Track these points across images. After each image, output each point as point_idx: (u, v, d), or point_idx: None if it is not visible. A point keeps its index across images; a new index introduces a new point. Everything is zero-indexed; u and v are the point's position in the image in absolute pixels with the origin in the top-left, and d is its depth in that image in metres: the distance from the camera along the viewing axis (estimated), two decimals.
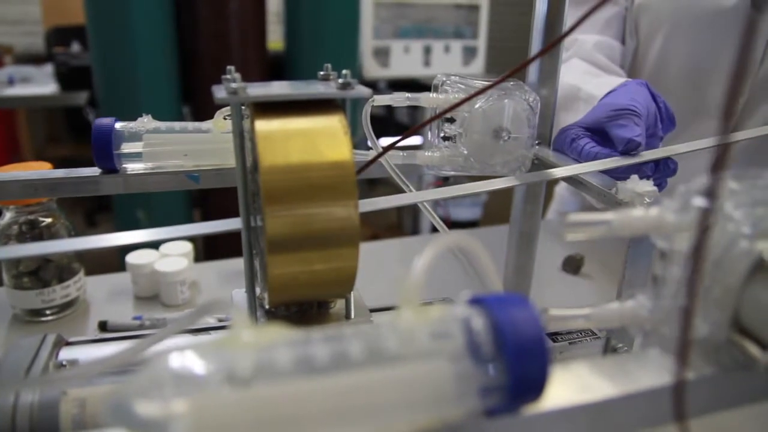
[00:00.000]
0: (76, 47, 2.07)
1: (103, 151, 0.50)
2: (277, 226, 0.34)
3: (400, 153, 0.55)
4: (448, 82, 0.56)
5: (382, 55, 2.19)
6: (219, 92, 0.36)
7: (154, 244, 0.79)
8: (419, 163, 0.56)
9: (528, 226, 0.67)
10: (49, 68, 2.08)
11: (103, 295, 0.78)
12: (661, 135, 0.63)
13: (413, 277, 0.24)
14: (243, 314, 0.22)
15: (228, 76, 0.37)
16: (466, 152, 0.56)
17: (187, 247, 0.80)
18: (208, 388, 0.20)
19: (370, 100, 0.52)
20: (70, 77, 1.89)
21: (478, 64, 2.33)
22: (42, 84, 2.01)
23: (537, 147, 0.61)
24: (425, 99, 0.54)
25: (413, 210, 2.38)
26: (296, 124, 0.36)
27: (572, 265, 0.85)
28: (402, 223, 2.48)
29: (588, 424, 0.25)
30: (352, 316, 0.41)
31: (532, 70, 0.63)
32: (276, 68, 1.90)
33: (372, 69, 2.15)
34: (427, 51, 2.23)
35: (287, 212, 0.34)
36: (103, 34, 1.62)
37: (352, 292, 0.40)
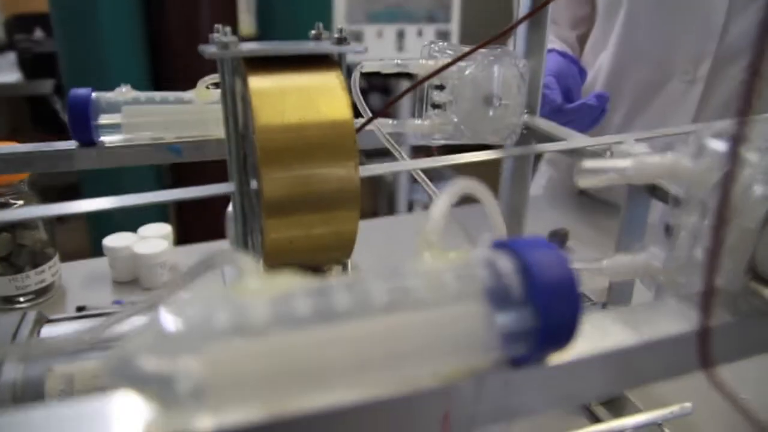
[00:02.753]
0: (38, 34, 1.99)
1: (80, 122, 0.47)
2: (274, 187, 0.32)
3: (390, 122, 0.53)
4: (436, 48, 0.54)
5: (355, 39, 2.16)
6: (209, 49, 0.34)
7: (132, 227, 0.76)
8: (409, 131, 0.54)
9: (516, 200, 0.66)
10: (10, 57, 2.00)
11: (79, 280, 0.75)
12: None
13: (432, 220, 0.22)
14: (251, 263, 0.21)
15: (218, 33, 0.35)
16: (456, 120, 0.54)
17: (166, 229, 0.77)
18: (219, 339, 0.18)
19: (359, 66, 0.50)
20: (33, 65, 1.81)
21: None
22: (4, 73, 1.93)
23: (526, 116, 0.60)
24: (414, 65, 0.53)
25: (388, 193, 2.37)
26: (292, 80, 0.34)
27: (557, 239, 0.84)
28: (377, 207, 2.47)
29: (615, 373, 0.24)
30: None
31: (520, 40, 0.62)
32: None
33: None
34: (401, 35, 2.21)
35: (284, 173, 0.33)
36: (67, 20, 1.56)
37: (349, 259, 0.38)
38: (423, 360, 0.20)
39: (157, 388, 0.18)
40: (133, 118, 0.49)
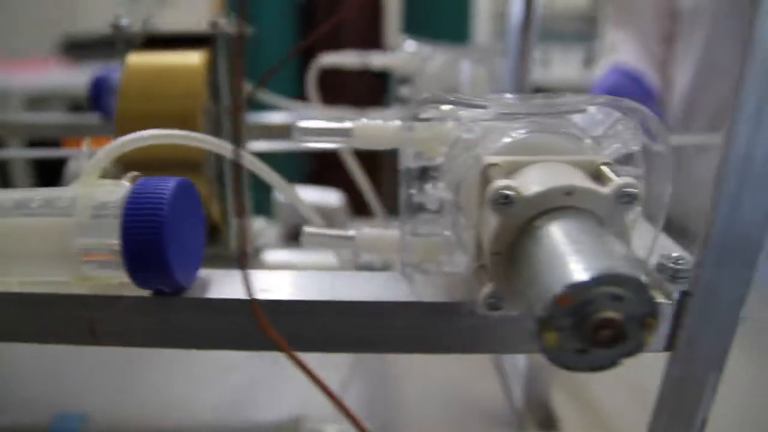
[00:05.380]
0: None
1: (99, 98, 0.55)
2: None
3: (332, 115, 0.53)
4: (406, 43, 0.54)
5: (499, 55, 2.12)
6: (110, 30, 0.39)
7: None
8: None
9: None
10: None
11: None
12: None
13: (99, 154, 0.24)
14: None
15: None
16: None
17: None
18: None
19: (317, 62, 0.52)
20: None
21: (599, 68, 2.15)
22: None
23: None
24: (376, 59, 0.52)
25: None
26: (161, 59, 0.37)
27: None
28: None
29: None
30: None
31: (512, 44, 0.56)
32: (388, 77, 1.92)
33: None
34: (546, 54, 2.12)
35: None
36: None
37: None
38: (18, 259, 0.22)
39: None
40: None
